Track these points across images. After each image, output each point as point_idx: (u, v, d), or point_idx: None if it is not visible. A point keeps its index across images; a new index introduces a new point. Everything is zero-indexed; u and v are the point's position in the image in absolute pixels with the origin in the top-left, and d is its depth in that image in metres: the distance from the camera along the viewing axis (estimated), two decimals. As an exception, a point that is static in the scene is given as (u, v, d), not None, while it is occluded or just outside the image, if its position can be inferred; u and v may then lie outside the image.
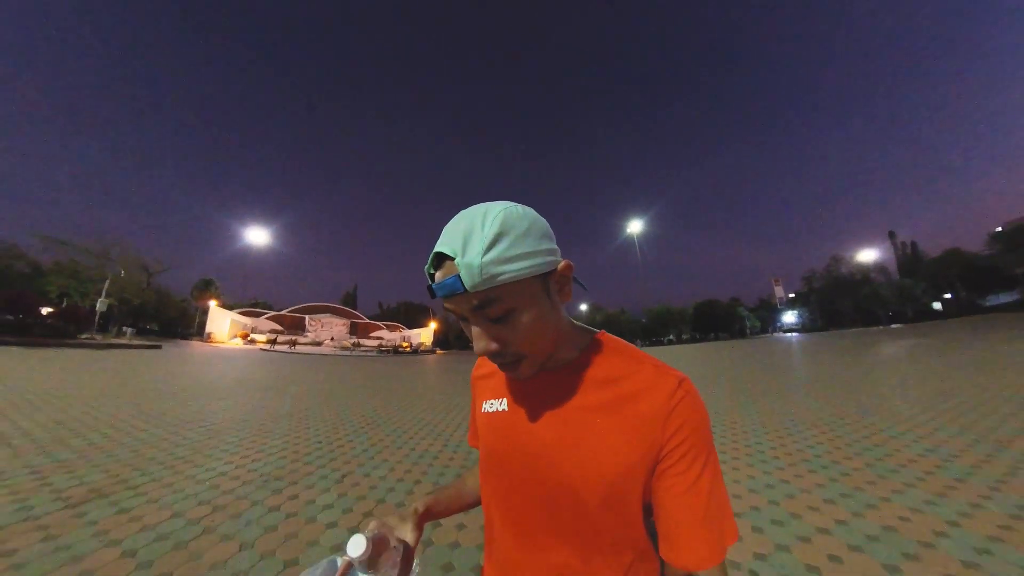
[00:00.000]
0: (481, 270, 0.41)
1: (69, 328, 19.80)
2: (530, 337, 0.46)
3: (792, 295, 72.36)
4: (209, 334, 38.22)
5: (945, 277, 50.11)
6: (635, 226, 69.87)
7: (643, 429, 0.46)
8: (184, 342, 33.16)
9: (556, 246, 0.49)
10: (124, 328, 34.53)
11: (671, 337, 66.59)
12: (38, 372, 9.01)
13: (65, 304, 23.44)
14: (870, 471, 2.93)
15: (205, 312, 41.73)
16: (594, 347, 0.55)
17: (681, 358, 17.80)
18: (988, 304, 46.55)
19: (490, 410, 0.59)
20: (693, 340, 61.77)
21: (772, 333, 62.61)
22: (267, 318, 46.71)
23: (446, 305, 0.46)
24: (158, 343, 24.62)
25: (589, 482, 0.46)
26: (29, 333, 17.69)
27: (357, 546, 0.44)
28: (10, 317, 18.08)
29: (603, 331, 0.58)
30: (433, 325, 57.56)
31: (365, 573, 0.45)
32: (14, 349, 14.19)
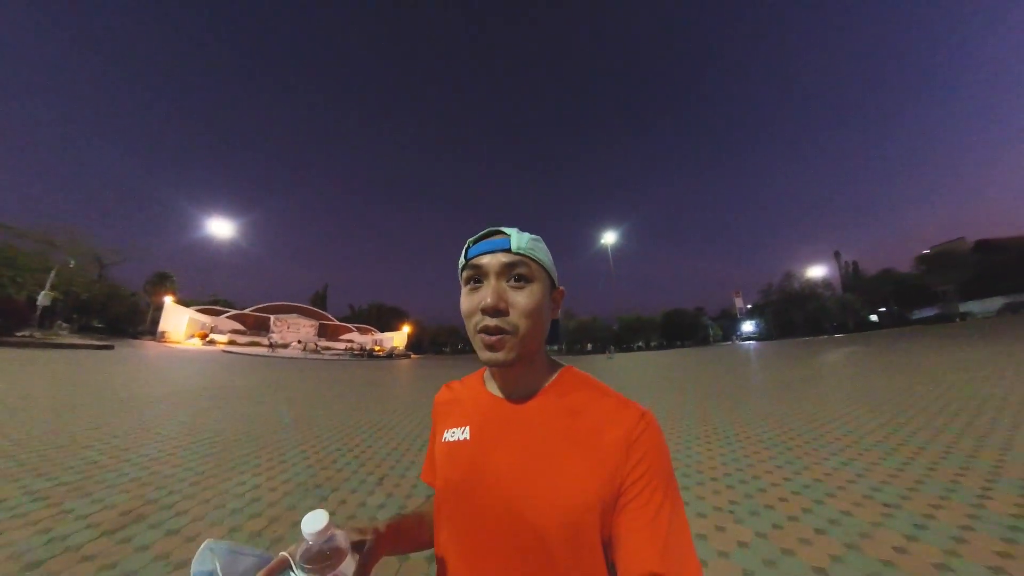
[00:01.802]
0: (528, 242, 0.54)
1: (8, 323, 17.78)
2: (532, 313, 0.51)
3: (750, 306, 77.50)
4: (163, 333, 35.28)
5: (880, 293, 55.51)
6: (609, 237, 72.04)
7: (605, 461, 0.46)
8: (136, 341, 30.39)
9: None
10: (61, 323, 31.25)
11: (640, 344, 68.98)
12: (-18, 377, 8.12)
13: (1, 296, 20.67)
14: (808, 447, 3.99)
15: (158, 309, 38.61)
16: (560, 379, 0.57)
17: (650, 364, 18.65)
18: (915, 317, 51.92)
19: (452, 439, 0.57)
20: (660, 347, 64.40)
21: (732, 341, 66.42)
22: (228, 317, 43.71)
23: (478, 261, 0.53)
24: (109, 343, 22.45)
25: (550, 516, 0.45)
26: None
27: (316, 520, 0.41)
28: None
29: (570, 365, 0.60)
30: (407, 329, 56.31)
31: (304, 571, 0.40)
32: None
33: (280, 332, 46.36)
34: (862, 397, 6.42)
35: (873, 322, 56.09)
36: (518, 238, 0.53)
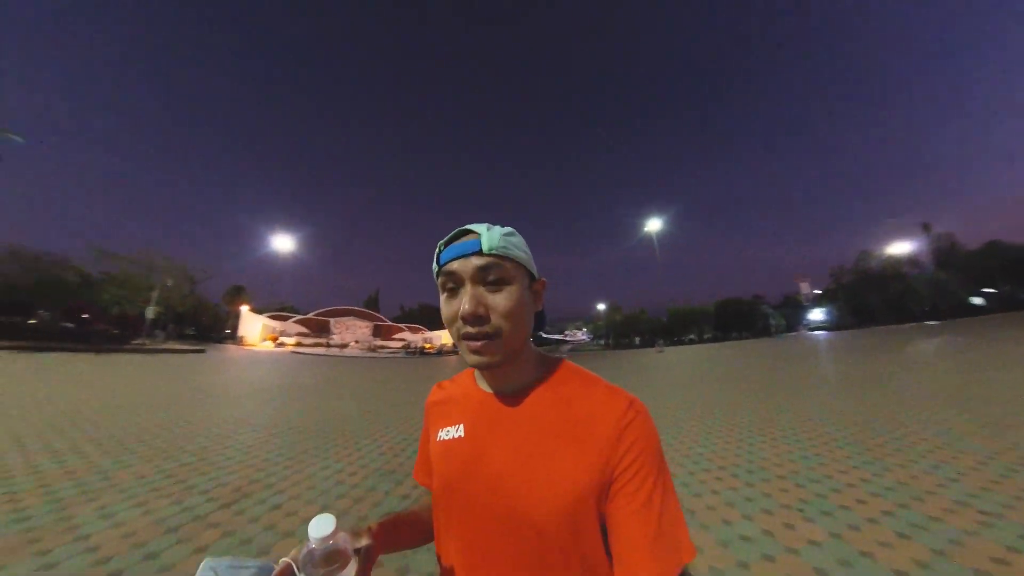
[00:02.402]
0: (500, 240, 0.51)
1: (124, 334, 21.05)
2: (513, 313, 0.50)
3: (818, 292, 70.23)
4: (242, 337, 39.79)
5: (985, 270, 47.58)
6: (654, 224, 68.81)
7: (596, 450, 0.47)
8: (220, 345, 34.71)
9: None
10: (157, 331, 36.26)
11: (692, 336, 65.43)
12: (117, 379, 9.70)
13: (116, 312, 24.83)
14: (889, 447, 3.72)
15: (237, 316, 43.37)
16: (551, 372, 0.57)
17: (704, 358, 17.65)
18: (1033, 298, 44.03)
19: (446, 437, 0.58)
20: (715, 339, 60.53)
21: (799, 331, 60.58)
22: (294, 321, 48.11)
23: (450, 268, 0.52)
24: (201, 347, 25.79)
25: (547, 507, 0.46)
26: (88, 340, 18.83)
27: (325, 524, 0.41)
28: (70, 325, 19.30)
29: (561, 358, 0.61)
30: (453, 326, 58.19)
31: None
32: (81, 355, 15.18)
33: (340, 333, 50.07)
34: (958, 396, 5.73)
35: (976, 306, 48.42)
36: (488, 237, 0.51)
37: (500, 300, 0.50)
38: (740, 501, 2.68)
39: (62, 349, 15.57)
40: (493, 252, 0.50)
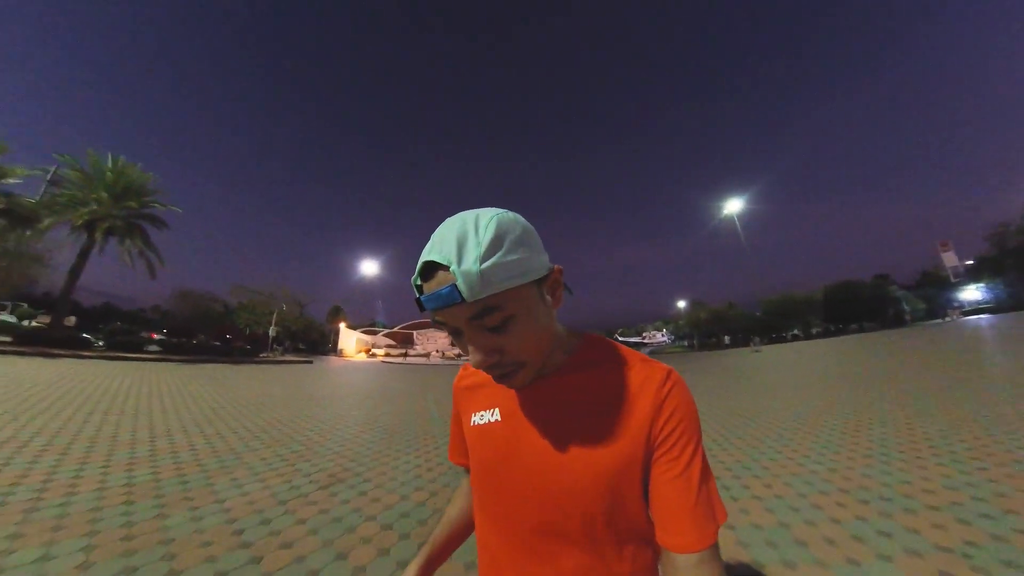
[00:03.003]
0: (480, 277, 0.39)
1: (254, 349, 25.86)
2: (529, 343, 0.45)
3: (970, 262, 54.77)
4: (341, 350, 45.57)
5: None
6: (734, 205, 60.56)
7: (638, 422, 0.47)
8: (324, 357, 40.00)
9: (544, 252, 0.49)
10: (275, 346, 43.26)
11: (796, 331, 56.06)
12: (248, 383, 11.63)
13: (248, 332, 30.71)
14: None
15: (337, 332, 49.70)
16: (582, 348, 0.55)
17: (812, 356, 14.80)
18: None
19: (481, 422, 0.57)
20: (828, 333, 50.79)
21: (947, 317, 45.52)
22: (383, 335, 53.67)
23: (437, 318, 0.43)
24: (309, 359, 30.34)
25: (593, 482, 0.46)
26: (229, 353, 23.58)
27: None
28: (217, 343, 24.06)
29: (590, 332, 0.58)
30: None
31: None
32: (225, 366, 18.64)
33: (422, 344, 54.23)
34: None
35: None
36: (466, 280, 0.39)
37: (507, 342, 0.44)
38: (872, 536, 2.10)
39: (212, 361, 19.46)
40: (478, 297, 0.40)
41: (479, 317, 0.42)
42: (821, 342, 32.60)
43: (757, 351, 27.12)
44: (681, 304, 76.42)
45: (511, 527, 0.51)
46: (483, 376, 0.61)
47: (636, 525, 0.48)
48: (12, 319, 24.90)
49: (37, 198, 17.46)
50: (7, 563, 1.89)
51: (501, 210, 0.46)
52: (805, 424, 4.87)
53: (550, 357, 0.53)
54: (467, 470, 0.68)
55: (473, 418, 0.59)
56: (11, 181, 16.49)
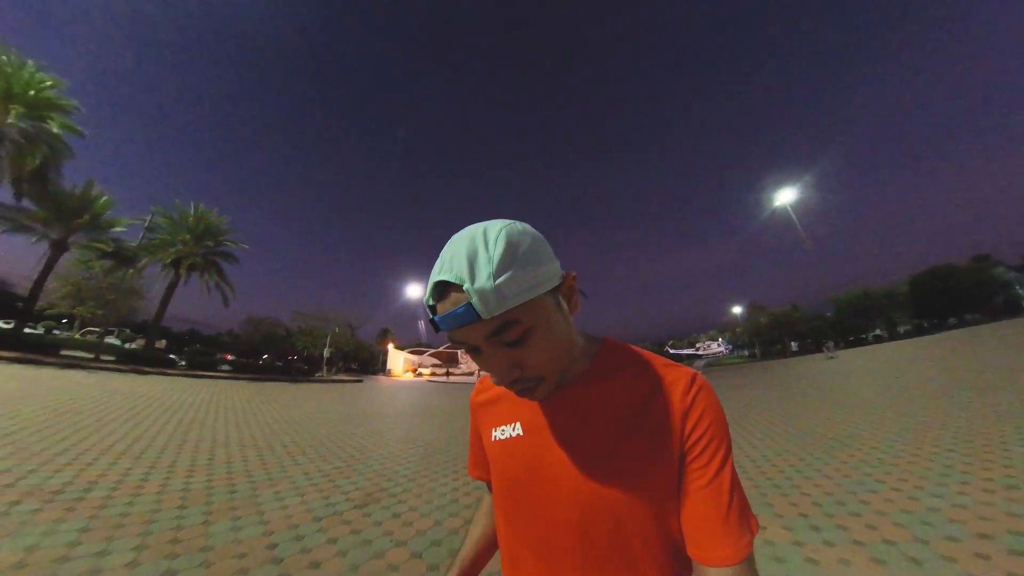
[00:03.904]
0: (495, 293, 0.38)
1: (311, 369, 27.59)
2: (550, 354, 0.44)
3: None
4: (389, 370, 47.35)
5: None
6: (786, 195, 53.89)
7: (665, 429, 0.46)
8: (374, 376, 41.77)
9: (556, 259, 0.47)
10: (330, 367, 46.05)
11: (878, 332, 47.87)
12: (303, 401, 12.30)
13: (306, 353, 33.22)
14: None
15: (386, 353, 51.84)
16: (603, 355, 0.54)
17: (904, 360, 12.39)
18: None
19: (502, 437, 0.56)
20: (919, 331, 41.77)
21: None
22: (428, 355, 55.13)
23: (453, 337, 0.42)
24: (360, 378, 31.82)
25: (623, 495, 0.45)
26: (289, 373, 25.52)
27: None
28: (279, 364, 26.05)
29: (609, 336, 0.57)
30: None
31: None
32: (285, 384, 20.05)
33: (466, 363, 54.84)
34: None
35: None
36: (482, 296, 0.38)
37: (527, 355, 0.43)
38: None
39: (275, 380, 21.05)
40: (494, 314, 0.39)
41: (497, 333, 0.41)
42: (912, 342, 27.68)
43: (832, 357, 23.91)
44: (736, 310, 70.30)
45: (539, 543, 0.50)
46: (501, 389, 0.60)
47: (668, 537, 0.46)
48: (117, 342, 28.89)
49: (136, 242, 20.91)
50: (73, 553, 2.02)
51: (508, 221, 0.45)
52: (910, 445, 4.05)
53: (571, 365, 0.51)
54: (488, 485, 0.67)
55: (494, 433, 0.57)
56: (118, 229, 19.86)
